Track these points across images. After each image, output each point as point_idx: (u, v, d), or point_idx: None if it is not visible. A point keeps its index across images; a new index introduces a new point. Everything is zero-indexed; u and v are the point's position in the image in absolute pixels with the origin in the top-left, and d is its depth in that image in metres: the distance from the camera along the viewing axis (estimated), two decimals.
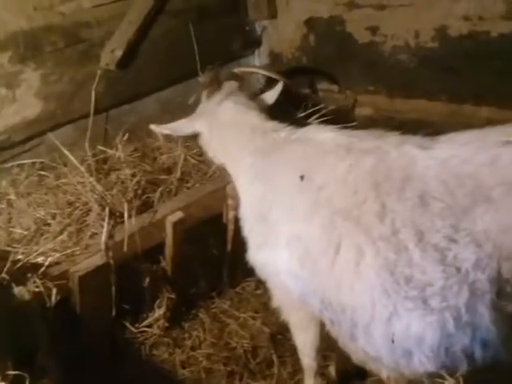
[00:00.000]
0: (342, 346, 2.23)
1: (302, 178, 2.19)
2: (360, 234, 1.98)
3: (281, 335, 2.98)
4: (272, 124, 2.53)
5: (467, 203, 1.84)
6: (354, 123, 3.24)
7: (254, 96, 2.80)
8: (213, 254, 3.16)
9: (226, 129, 2.62)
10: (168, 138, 3.22)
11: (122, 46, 3.17)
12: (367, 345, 2.02)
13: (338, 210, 2.06)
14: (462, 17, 3.20)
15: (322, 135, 2.30)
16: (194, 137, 2.77)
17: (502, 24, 3.09)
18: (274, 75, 2.94)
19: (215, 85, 2.76)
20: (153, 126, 2.72)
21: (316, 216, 2.11)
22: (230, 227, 3.10)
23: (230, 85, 2.76)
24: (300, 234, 2.16)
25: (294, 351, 2.68)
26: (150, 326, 2.93)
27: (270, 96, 2.85)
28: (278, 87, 2.86)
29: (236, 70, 2.88)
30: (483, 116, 3.23)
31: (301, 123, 2.78)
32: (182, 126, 2.74)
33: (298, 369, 2.75)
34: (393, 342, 1.92)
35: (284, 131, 2.45)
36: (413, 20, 3.34)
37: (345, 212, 2.04)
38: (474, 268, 1.80)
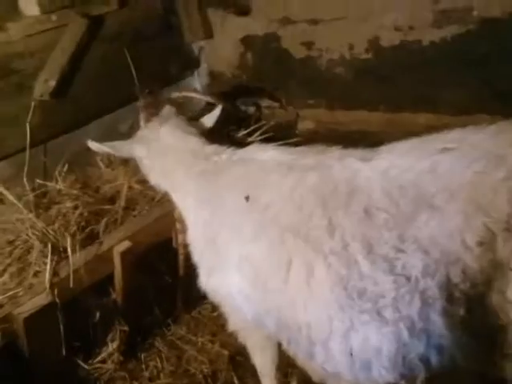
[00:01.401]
0: (300, 364, 2.22)
1: (247, 198, 2.19)
2: (309, 250, 1.98)
3: (240, 356, 2.95)
4: (212, 147, 2.51)
5: (411, 211, 1.87)
6: (297, 139, 3.27)
7: (193, 120, 2.77)
8: (165, 279, 3.11)
9: (166, 155, 2.58)
10: (110, 165, 3.18)
11: (55, 75, 3.09)
12: (326, 361, 2.02)
13: (285, 228, 2.06)
14: (393, 27, 3.27)
15: (262, 155, 2.31)
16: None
17: (432, 32, 3.17)
18: (211, 99, 2.93)
19: (153, 109, 2.73)
20: (90, 143, 2.67)
21: (264, 236, 2.11)
22: (181, 251, 3.06)
23: (168, 110, 2.73)
24: (249, 255, 2.14)
25: (254, 371, 2.66)
26: (103, 361, 2.85)
27: (209, 119, 2.83)
28: (217, 111, 2.84)
29: (173, 95, 2.85)
30: (422, 123, 3.30)
31: (244, 142, 2.79)
32: (121, 147, 2.70)
33: None
34: (351, 355, 1.93)
35: (225, 153, 2.44)
36: (346, 33, 3.39)
37: (293, 230, 2.04)
38: (423, 275, 1.83)
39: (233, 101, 3.49)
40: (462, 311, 1.82)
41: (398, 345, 1.86)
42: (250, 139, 3.23)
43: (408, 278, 1.84)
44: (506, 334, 1.85)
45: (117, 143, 2.71)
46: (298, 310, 2.00)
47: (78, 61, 3.23)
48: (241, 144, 2.57)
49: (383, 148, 2.09)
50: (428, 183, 1.89)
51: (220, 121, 2.82)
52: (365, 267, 1.89)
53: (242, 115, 3.53)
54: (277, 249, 2.06)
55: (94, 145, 2.68)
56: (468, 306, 1.82)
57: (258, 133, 3.34)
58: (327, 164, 2.11)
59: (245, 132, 3.33)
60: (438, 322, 1.82)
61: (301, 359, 2.17)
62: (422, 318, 1.83)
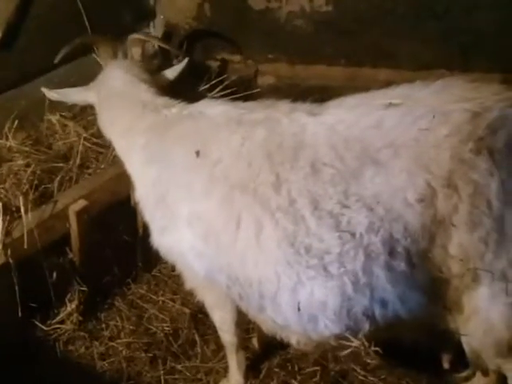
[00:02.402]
0: (251, 318, 2.29)
1: (197, 153, 2.15)
2: (258, 206, 2.00)
3: (201, 314, 2.95)
4: (163, 100, 2.43)
5: (356, 167, 1.90)
6: (258, 90, 3.22)
7: (153, 70, 2.68)
8: (124, 239, 3.06)
9: (113, 102, 2.50)
10: (63, 120, 3.06)
11: (1, 25, 2.91)
12: (275, 314, 2.08)
13: (234, 184, 2.06)
14: None
15: (213, 110, 2.27)
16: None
17: None
18: (171, 48, 2.82)
19: (112, 52, 2.66)
20: (44, 90, 2.63)
21: (214, 192, 2.10)
22: (139, 209, 3.00)
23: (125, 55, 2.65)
24: (200, 211, 2.14)
25: (215, 328, 2.65)
26: (62, 322, 2.81)
27: (172, 72, 2.74)
28: (182, 64, 2.76)
29: (131, 37, 2.74)
30: (382, 78, 3.28)
31: (203, 96, 2.71)
32: (74, 93, 2.65)
33: (221, 345, 2.73)
34: (299, 309, 1.98)
35: (175, 107, 2.38)
36: None
37: (241, 185, 2.04)
38: (367, 231, 1.87)
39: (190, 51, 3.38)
40: (403, 265, 1.87)
41: (342, 298, 1.92)
42: (210, 94, 3.15)
43: (353, 234, 1.88)
44: (447, 288, 1.92)
45: (71, 90, 2.65)
46: (248, 265, 2.03)
47: (25, 11, 3.04)
48: (202, 97, 2.50)
49: (332, 103, 2.10)
50: (373, 138, 1.91)
51: (183, 72, 2.73)
52: (311, 223, 1.92)
53: (204, 67, 3.43)
54: (226, 205, 2.07)
55: (48, 92, 2.64)
56: (410, 260, 1.87)
57: (219, 88, 3.26)
58: (275, 118, 2.10)
59: (205, 86, 3.25)
60: (381, 276, 1.87)
61: (252, 313, 2.23)
62: (365, 272, 1.88)
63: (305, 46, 3.42)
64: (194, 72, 3.36)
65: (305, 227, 1.92)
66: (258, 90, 3.42)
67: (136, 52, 2.87)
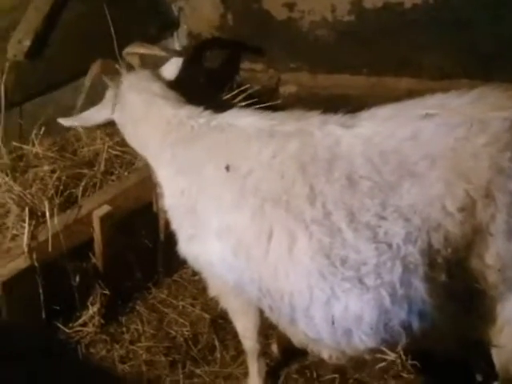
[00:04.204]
0: (282, 330, 2.26)
1: (227, 168, 2.15)
2: (291, 219, 1.98)
3: (221, 319, 2.97)
4: (188, 110, 2.41)
5: (393, 179, 1.88)
6: (278, 101, 3.22)
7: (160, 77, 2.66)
8: (146, 244, 3.09)
9: (138, 122, 2.51)
10: (88, 128, 3.12)
11: (29, 35, 2.99)
12: (307, 328, 2.04)
13: (266, 197, 2.05)
14: None
15: (242, 120, 2.26)
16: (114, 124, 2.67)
17: None
18: (167, 53, 2.73)
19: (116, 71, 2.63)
20: (61, 120, 2.62)
21: (244, 205, 2.09)
22: (162, 215, 3.04)
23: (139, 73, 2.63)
24: (230, 224, 2.13)
25: (235, 334, 2.69)
26: (84, 324, 2.85)
27: (169, 72, 2.70)
28: (176, 63, 2.71)
29: (125, 52, 2.70)
30: (404, 87, 3.28)
31: (227, 105, 2.72)
32: (91, 115, 2.64)
33: (240, 351, 2.76)
34: (333, 323, 1.95)
35: (202, 117, 2.36)
36: None
37: (274, 198, 2.03)
38: (404, 242, 1.84)
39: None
40: (443, 276, 1.85)
41: (379, 311, 1.89)
42: (232, 103, 3.18)
43: (390, 245, 1.85)
44: (484, 298, 1.90)
45: (86, 113, 2.63)
46: (280, 278, 2.01)
47: (53, 20, 3.11)
48: (225, 106, 2.50)
49: (364, 114, 2.07)
50: (410, 150, 1.89)
51: (203, 82, 2.75)
52: (348, 235, 1.89)
53: (225, 76, 3.46)
54: (258, 218, 2.05)
55: (64, 121, 2.64)
56: (449, 271, 1.85)
57: (241, 97, 3.29)
58: (308, 131, 2.08)
59: (228, 95, 3.28)
60: (419, 287, 1.84)
61: (282, 326, 2.20)
62: (403, 283, 1.85)
63: (327, 55, 3.43)
64: (216, 81, 3.42)
65: (341, 239, 1.90)
66: (279, 101, 3.42)
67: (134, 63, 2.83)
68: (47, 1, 3.06)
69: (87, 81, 2.59)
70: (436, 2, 3.12)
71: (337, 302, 1.93)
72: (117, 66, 2.64)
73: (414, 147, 1.89)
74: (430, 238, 1.83)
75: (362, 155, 1.94)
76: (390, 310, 1.88)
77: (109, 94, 2.65)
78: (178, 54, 2.76)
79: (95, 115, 2.63)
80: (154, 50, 2.69)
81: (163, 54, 2.70)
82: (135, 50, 2.69)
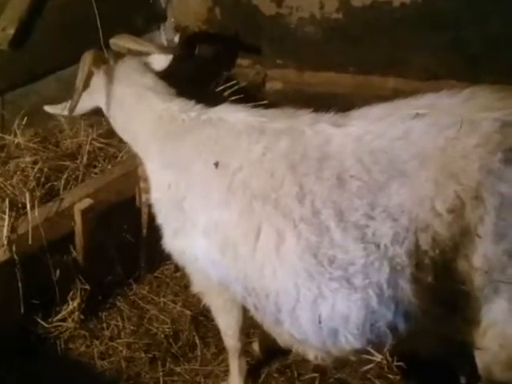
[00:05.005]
0: (266, 329, 2.23)
1: (216, 165, 2.13)
2: (280, 217, 1.96)
3: (202, 316, 2.95)
4: (179, 104, 2.39)
5: (383, 179, 1.87)
6: (266, 102, 3.20)
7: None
8: (128, 239, 3.06)
9: (128, 115, 2.49)
10: (71, 119, 3.07)
11: (13, 23, 2.93)
12: (293, 328, 2.03)
13: (255, 194, 2.03)
14: None
15: (232, 116, 2.24)
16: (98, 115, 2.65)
17: None
18: (155, 49, 2.65)
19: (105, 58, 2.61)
20: (47, 108, 2.59)
21: (233, 202, 2.07)
22: (144, 210, 3.02)
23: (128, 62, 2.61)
24: (218, 220, 2.11)
25: (216, 331, 2.68)
26: (64, 319, 2.82)
27: (158, 62, 2.65)
28: (167, 57, 2.66)
29: (111, 42, 2.67)
30: (390, 87, 3.28)
31: (214, 100, 2.69)
32: (81, 103, 2.57)
33: (221, 348, 2.75)
34: (319, 323, 1.94)
35: (193, 111, 2.34)
36: None
37: (262, 196, 2.01)
38: (392, 243, 1.83)
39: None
40: (430, 278, 1.84)
41: (366, 311, 1.88)
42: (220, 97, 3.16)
43: (378, 246, 1.84)
44: (469, 300, 1.89)
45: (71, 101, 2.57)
46: (267, 277, 1.99)
47: (38, 9, 3.06)
48: (212, 100, 2.46)
49: (355, 113, 2.06)
50: (400, 150, 1.88)
51: (191, 76, 2.71)
52: (336, 235, 1.88)
53: (212, 71, 3.43)
54: (246, 215, 2.04)
55: (50, 109, 2.63)
56: (436, 272, 1.84)
57: (227, 92, 3.27)
58: (299, 129, 2.07)
59: (215, 90, 3.26)
60: (406, 288, 1.84)
61: (267, 325, 2.18)
62: (390, 284, 1.84)
63: (314, 52, 3.42)
64: (203, 75, 3.39)
65: (329, 238, 1.89)
66: (266, 101, 3.40)
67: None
68: None
69: (82, 71, 2.53)
70: (424, 1, 3.12)
71: (324, 302, 1.92)
72: (106, 57, 2.59)
73: (404, 146, 1.88)
74: (417, 238, 1.82)
75: (353, 154, 1.93)
76: (377, 311, 1.87)
77: (95, 82, 2.61)
78: (168, 51, 2.69)
79: (81, 104, 2.57)
80: (145, 46, 2.65)
81: (154, 50, 2.65)
82: (123, 42, 2.66)
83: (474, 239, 1.81)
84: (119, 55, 2.66)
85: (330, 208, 1.90)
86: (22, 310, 2.58)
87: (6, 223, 2.47)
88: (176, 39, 3.04)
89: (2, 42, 2.92)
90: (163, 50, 2.71)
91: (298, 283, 1.93)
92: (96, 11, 3.16)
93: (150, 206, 2.69)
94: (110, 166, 2.97)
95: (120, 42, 2.69)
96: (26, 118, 2.95)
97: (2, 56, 2.95)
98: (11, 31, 2.93)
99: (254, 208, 2.02)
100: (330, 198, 1.91)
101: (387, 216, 1.84)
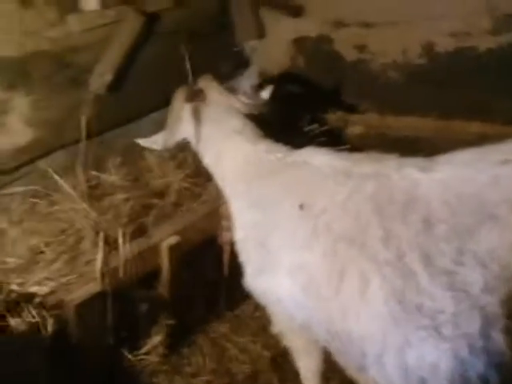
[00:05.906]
0: (350, 375, 2.18)
1: (301, 207, 2.15)
2: (364, 260, 1.94)
3: (282, 358, 2.92)
4: (265, 145, 2.46)
5: (471, 223, 1.82)
6: (348, 146, 3.23)
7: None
8: (209, 276, 3.11)
9: (216, 152, 2.58)
10: (161, 159, 3.21)
11: (110, 70, 3.14)
12: (378, 375, 1.95)
13: (339, 237, 2.02)
14: (449, 33, 3.24)
15: (317, 159, 2.26)
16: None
17: (488, 39, 3.13)
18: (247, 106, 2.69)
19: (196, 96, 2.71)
20: (140, 140, 2.72)
21: (317, 243, 2.07)
22: (226, 248, 3.05)
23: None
24: (302, 262, 2.11)
25: (295, 374, 2.63)
26: (148, 353, 2.85)
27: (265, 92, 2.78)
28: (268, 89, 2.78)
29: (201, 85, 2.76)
30: (474, 131, 3.25)
31: (298, 142, 2.74)
32: (167, 136, 2.72)
33: None
34: (406, 371, 1.86)
35: (279, 153, 2.39)
36: (399, 37, 3.37)
37: (347, 238, 2.00)
38: (482, 291, 1.76)
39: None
40: None
41: (456, 362, 1.79)
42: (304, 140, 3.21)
43: (467, 293, 1.78)
44: None
45: (161, 135, 2.74)
46: (350, 321, 1.95)
47: (133, 56, 3.27)
48: (295, 144, 2.51)
49: (442, 158, 2.03)
50: (489, 194, 1.83)
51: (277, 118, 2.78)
52: (423, 279, 1.83)
53: (297, 114, 3.51)
54: (330, 258, 2.02)
55: (144, 142, 2.76)
56: None
57: (311, 135, 3.32)
58: (385, 173, 2.05)
59: (301, 132, 3.32)
60: (499, 339, 1.75)
61: (351, 370, 2.14)
62: (482, 335, 1.76)
63: (396, 96, 3.45)
64: (286, 118, 3.47)
65: (415, 283, 1.84)
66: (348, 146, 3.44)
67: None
68: (129, 37, 3.21)
69: (175, 106, 2.70)
70: (509, 47, 3.10)
71: (411, 350, 1.84)
72: (200, 90, 2.72)
73: (494, 191, 1.83)
74: (509, 286, 1.75)
75: (440, 198, 1.89)
76: (468, 362, 1.78)
77: (186, 116, 2.71)
78: (248, 107, 2.73)
79: (170, 136, 2.71)
80: (232, 100, 2.69)
81: (240, 106, 2.70)
82: (212, 90, 2.75)
83: None
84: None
85: (416, 252, 1.86)
86: (111, 342, 2.65)
87: (100, 256, 2.56)
88: (258, 85, 3.14)
89: (100, 87, 3.13)
90: (244, 105, 2.77)
91: (384, 328, 1.87)
92: (186, 58, 3.34)
93: (231, 245, 2.76)
94: (195, 205, 3.05)
95: (207, 85, 2.80)
96: (119, 158, 3.11)
97: (100, 100, 3.15)
98: (109, 77, 3.13)
99: (338, 250, 2.00)
100: (416, 242, 1.87)
101: (477, 262, 1.78)
